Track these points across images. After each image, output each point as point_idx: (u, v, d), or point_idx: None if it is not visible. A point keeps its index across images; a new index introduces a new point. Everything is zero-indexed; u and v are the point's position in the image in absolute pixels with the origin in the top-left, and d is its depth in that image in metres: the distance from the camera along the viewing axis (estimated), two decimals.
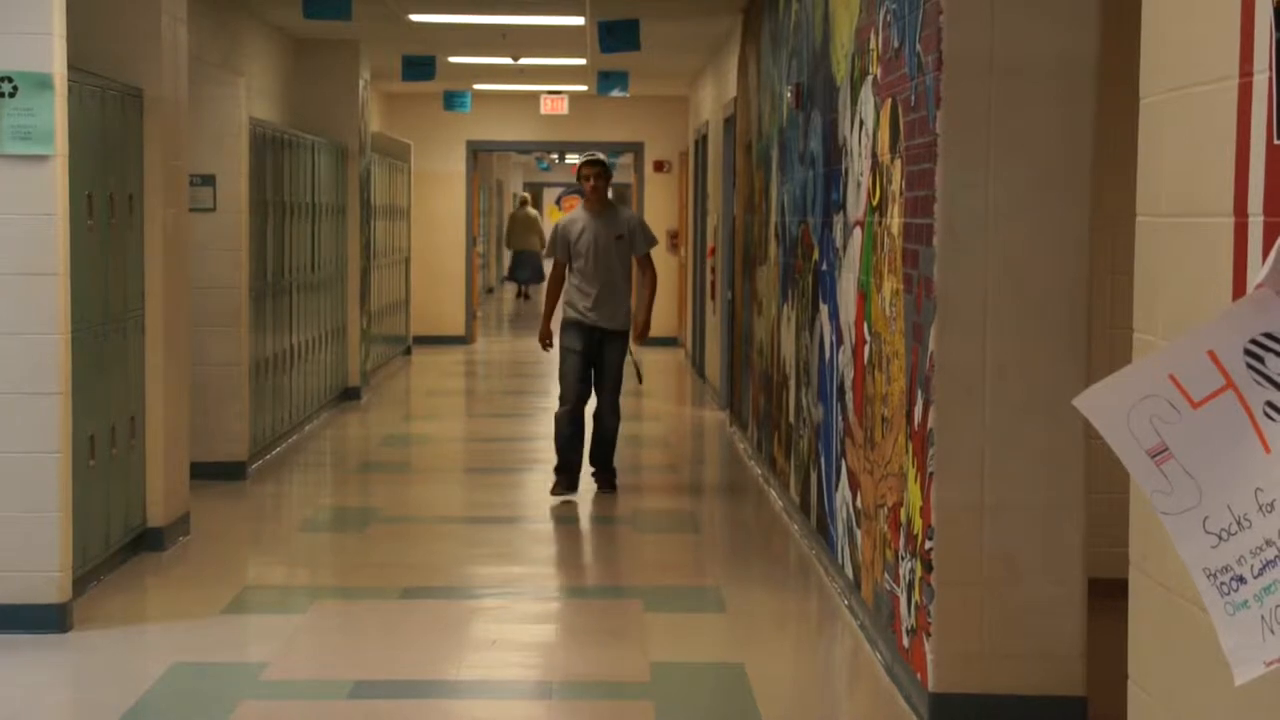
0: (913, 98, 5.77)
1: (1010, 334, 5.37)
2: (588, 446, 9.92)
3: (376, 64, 16.00)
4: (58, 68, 6.47)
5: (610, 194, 10.02)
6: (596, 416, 9.89)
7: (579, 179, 9.86)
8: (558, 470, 9.83)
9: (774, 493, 9.81)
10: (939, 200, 5.40)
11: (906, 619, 5.79)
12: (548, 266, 10.05)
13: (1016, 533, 5.40)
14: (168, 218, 8.11)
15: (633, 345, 9.93)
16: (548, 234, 19.91)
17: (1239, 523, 2.33)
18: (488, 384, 17.60)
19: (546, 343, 10.01)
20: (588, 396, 9.82)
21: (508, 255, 32.64)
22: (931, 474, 5.43)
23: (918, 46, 5.69)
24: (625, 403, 10.31)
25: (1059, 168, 5.33)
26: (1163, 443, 2.39)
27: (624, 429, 10.31)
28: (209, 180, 9.91)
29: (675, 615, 7.06)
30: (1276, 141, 2.52)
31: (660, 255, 21.16)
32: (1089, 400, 2.46)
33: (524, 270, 31.03)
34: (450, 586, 7.70)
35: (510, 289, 33.37)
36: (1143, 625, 3.10)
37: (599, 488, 9.95)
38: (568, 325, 9.79)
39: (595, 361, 9.78)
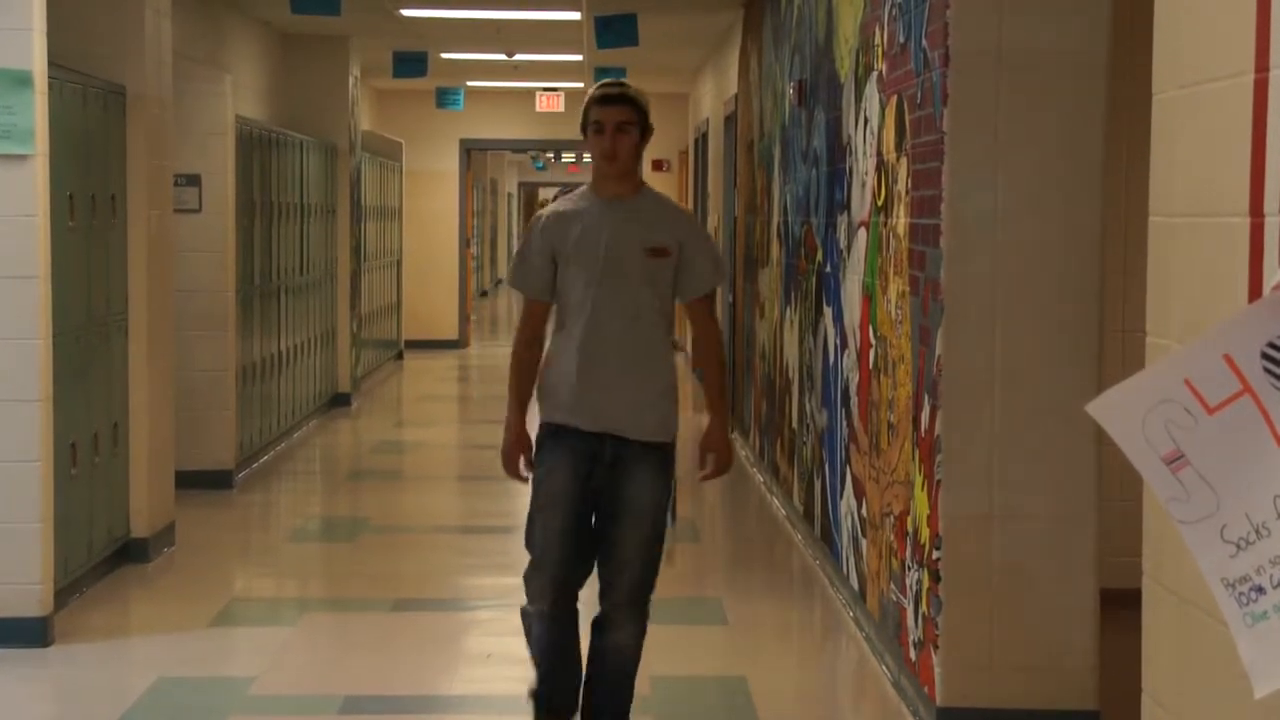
0: (919, 94, 5.72)
1: (1020, 337, 5.34)
2: (585, 675, 5.13)
3: (367, 60, 15.93)
4: (38, 64, 6.41)
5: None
6: (599, 630, 5.09)
7: (587, 130, 4.97)
8: (541, 710, 5.11)
9: (777, 501, 9.76)
10: (946, 200, 5.38)
11: (913, 631, 5.76)
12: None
13: (1027, 542, 5.37)
14: (152, 219, 8.07)
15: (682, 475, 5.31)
16: None
17: (1257, 531, 2.31)
18: (482, 389, 17.52)
19: (520, 465, 5.05)
20: (584, 578, 5.09)
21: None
22: (939, 481, 5.35)
23: (924, 41, 5.64)
24: None
25: (1069, 166, 5.33)
26: (1178, 449, 2.37)
27: None
28: (194, 180, 9.86)
29: (675, 627, 6.99)
30: None
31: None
32: (1102, 405, 2.44)
33: None
34: (444, 598, 7.64)
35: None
36: (1157, 637, 3.07)
37: None
38: (548, 437, 5.00)
39: (601, 503, 4.99)
